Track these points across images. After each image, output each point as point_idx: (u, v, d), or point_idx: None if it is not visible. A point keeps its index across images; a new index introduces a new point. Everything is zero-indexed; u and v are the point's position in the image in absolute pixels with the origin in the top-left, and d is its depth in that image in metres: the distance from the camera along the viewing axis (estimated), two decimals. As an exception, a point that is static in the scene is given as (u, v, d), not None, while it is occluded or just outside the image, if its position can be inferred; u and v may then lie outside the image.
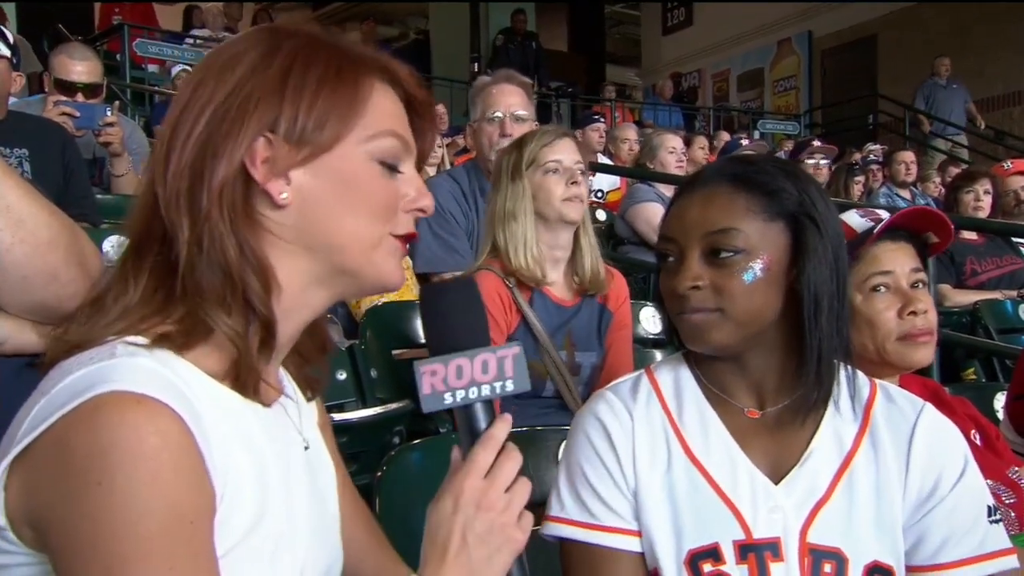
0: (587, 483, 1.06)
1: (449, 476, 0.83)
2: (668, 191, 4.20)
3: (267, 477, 0.77)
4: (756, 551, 1.01)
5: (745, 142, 6.13)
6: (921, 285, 1.42)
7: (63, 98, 3.17)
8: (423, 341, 2.42)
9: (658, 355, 2.50)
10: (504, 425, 0.83)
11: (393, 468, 1.40)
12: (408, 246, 0.85)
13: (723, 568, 1.01)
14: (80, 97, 3.22)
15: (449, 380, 0.80)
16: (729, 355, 1.07)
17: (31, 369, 1.17)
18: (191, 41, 8.27)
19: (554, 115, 10.52)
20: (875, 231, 1.40)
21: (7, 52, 2.54)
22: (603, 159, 5.89)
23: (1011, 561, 1.04)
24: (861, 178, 5.93)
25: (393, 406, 1.95)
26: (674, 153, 4.56)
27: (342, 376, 2.19)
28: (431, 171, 4.43)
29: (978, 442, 1.54)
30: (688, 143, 5.56)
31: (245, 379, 0.77)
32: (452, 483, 0.82)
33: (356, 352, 2.25)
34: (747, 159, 1.13)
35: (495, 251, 2.04)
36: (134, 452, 0.64)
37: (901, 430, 1.07)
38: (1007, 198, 4.21)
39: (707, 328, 1.03)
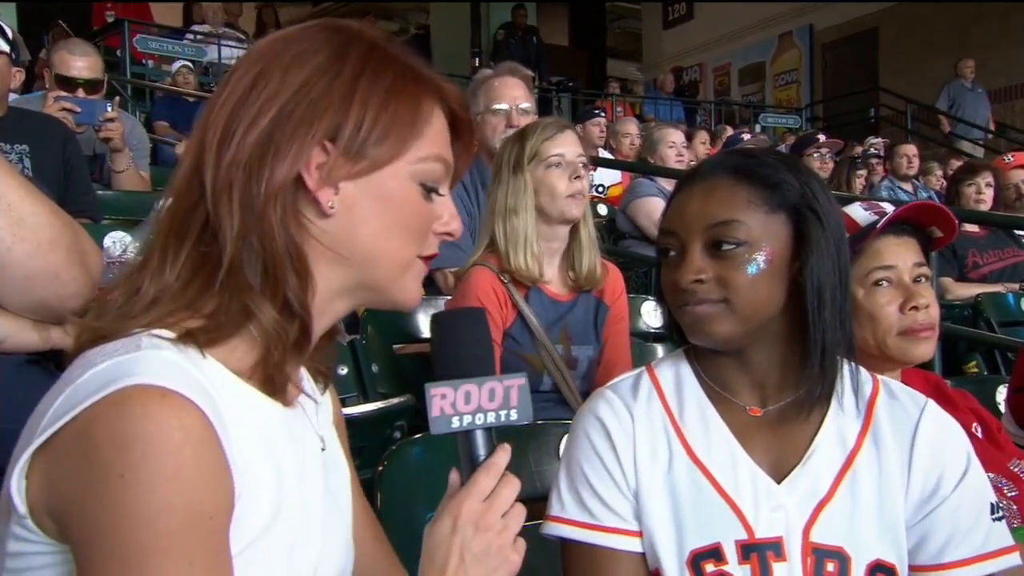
0: (587, 483, 1.06)
1: (447, 498, 0.84)
2: (669, 186, 4.20)
3: (284, 477, 0.77)
4: (758, 551, 1.00)
5: (747, 136, 6.10)
6: (924, 280, 1.42)
7: (64, 94, 3.17)
8: (424, 336, 2.42)
9: (659, 349, 2.50)
10: (504, 454, 0.85)
11: (394, 463, 1.40)
12: None
13: (725, 568, 1.00)
14: (81, 93, 3.21)
15: (458, 404, 0.83)
16: (731, 349, 1.06)
17: (31, 366, 1.18)
18: (191, 37, 8.26)
19: (555, 110, 10.51)
20: (878, 225, 1.40)
21: (6, 48, 2.53)
22: (604, 154, 5.87)
23: (1013, 559, 1.03)
24: (863, 172, 5.93)
25: (394, 401, 1.94)
26: (674, 147, 4.55)
27: (343, 371, 2.19)
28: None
29: (980, 435, 1.54)
30: (689, 138, 5.55)
31: (274, 378, 0.77)
32: (450, 505, 0.82)
33: (357, 347, 2.25)
34: (747, 152, 1.13)
35: (492, 246, 2.03)
36: (157, 446, 0.64)
37: (904, 428, 1.07)
38: (1008, 191, 4.21)
39: (711, 319, 1.02)
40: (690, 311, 1.04)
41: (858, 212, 1.43)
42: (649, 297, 2.92)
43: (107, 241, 2.11)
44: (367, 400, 2.15)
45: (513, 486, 0.84)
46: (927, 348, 1.42)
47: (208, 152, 0.76)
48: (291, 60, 0.77)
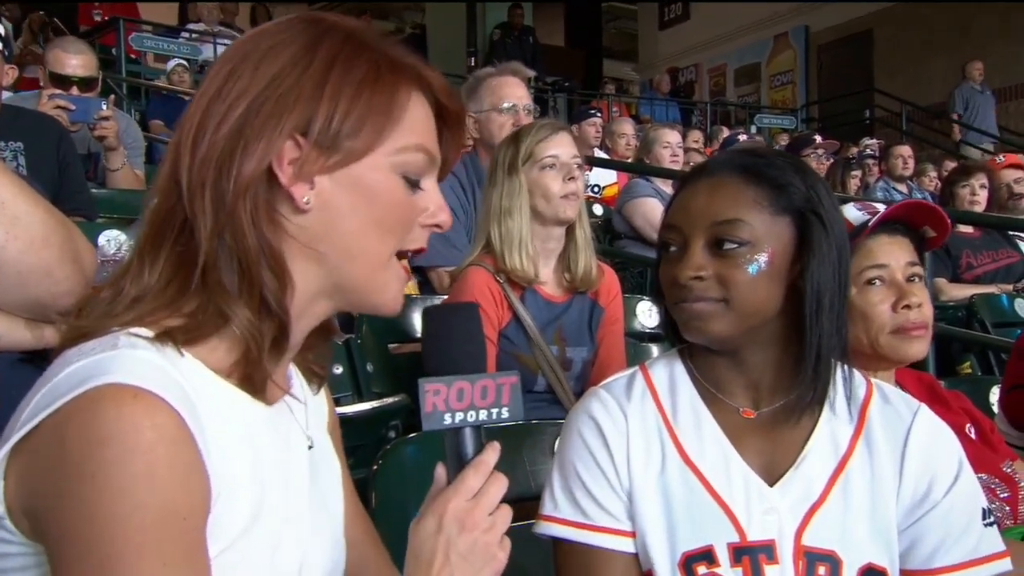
0: (580, 482, 1.05)
1: (431, 496, 0.83)
2: (665, 186, 4.20)
3: (266, 475, 0.76)
4: (750, 553, 1.00)
5: (742, 137, 6.11)
6: (917, 279, 1.42)
7: (58, 91, 3.16)
8: (418, 336, 2.42)
9: (654, 350, 2.50)
10: (494, 453, 0.84)
11: (389, 461, 1.40)
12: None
13: (717, 570, 1.00)
14: (75, 91, 3.20)
15: (450, 401, 0.82)
16: (727, 349, 1.06)
17: (24, 364, 1.17)
18: (187, 35, 8.24)
19: (551, 110, 10.51)
20: (870, 224, 1.40)
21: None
22: (600, 154, 5.88)
23: (1004, 564, 1.03)
24: (858, 172, 5.94)
25: (389, 400, 1.94)
26: (668, 148, 4.57)
27: (338, 370, 2.18)
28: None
29: (973, 436, 1.54)
30: (683, 138, 5.55)
31: (253, 376, 0.76)
32: (436, 503, 0.81)
33: (352, 346, 2.25)
34: (756, 151, 1.12)
35: (488, 247, 2.03)
36: (129, 446, 0.63)
37: (896, 432, 1.07)
38: (1001, 192, 4.23)
39: (708, 317, 1.02)
40: (687, 307, 1.03)
41: (851, 212, 1.44)
42: (645, 298, 2.92)
43: (102, 239, 2.11)
44: (362, 399, 2.15)
45: (500, 484, 0.83)
46: (920, 347, 1.42)
47: (183, 150, 0.75)
48: (263, 54, 0.76)
